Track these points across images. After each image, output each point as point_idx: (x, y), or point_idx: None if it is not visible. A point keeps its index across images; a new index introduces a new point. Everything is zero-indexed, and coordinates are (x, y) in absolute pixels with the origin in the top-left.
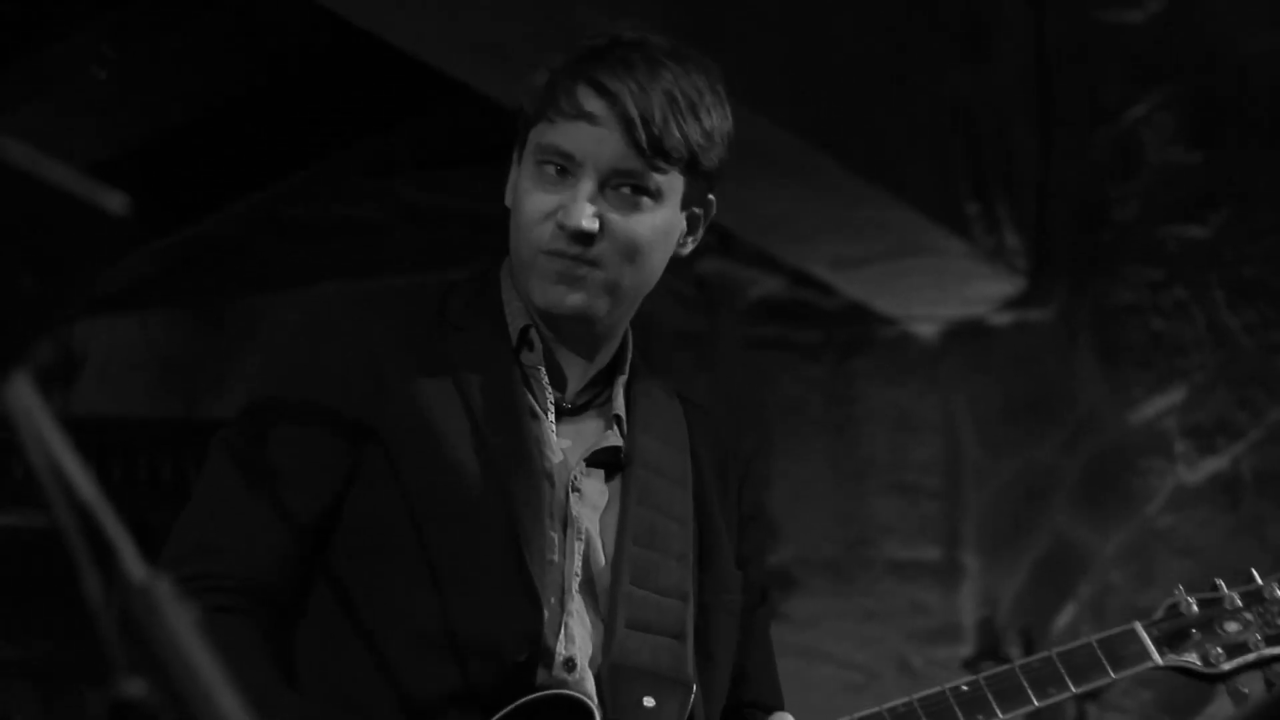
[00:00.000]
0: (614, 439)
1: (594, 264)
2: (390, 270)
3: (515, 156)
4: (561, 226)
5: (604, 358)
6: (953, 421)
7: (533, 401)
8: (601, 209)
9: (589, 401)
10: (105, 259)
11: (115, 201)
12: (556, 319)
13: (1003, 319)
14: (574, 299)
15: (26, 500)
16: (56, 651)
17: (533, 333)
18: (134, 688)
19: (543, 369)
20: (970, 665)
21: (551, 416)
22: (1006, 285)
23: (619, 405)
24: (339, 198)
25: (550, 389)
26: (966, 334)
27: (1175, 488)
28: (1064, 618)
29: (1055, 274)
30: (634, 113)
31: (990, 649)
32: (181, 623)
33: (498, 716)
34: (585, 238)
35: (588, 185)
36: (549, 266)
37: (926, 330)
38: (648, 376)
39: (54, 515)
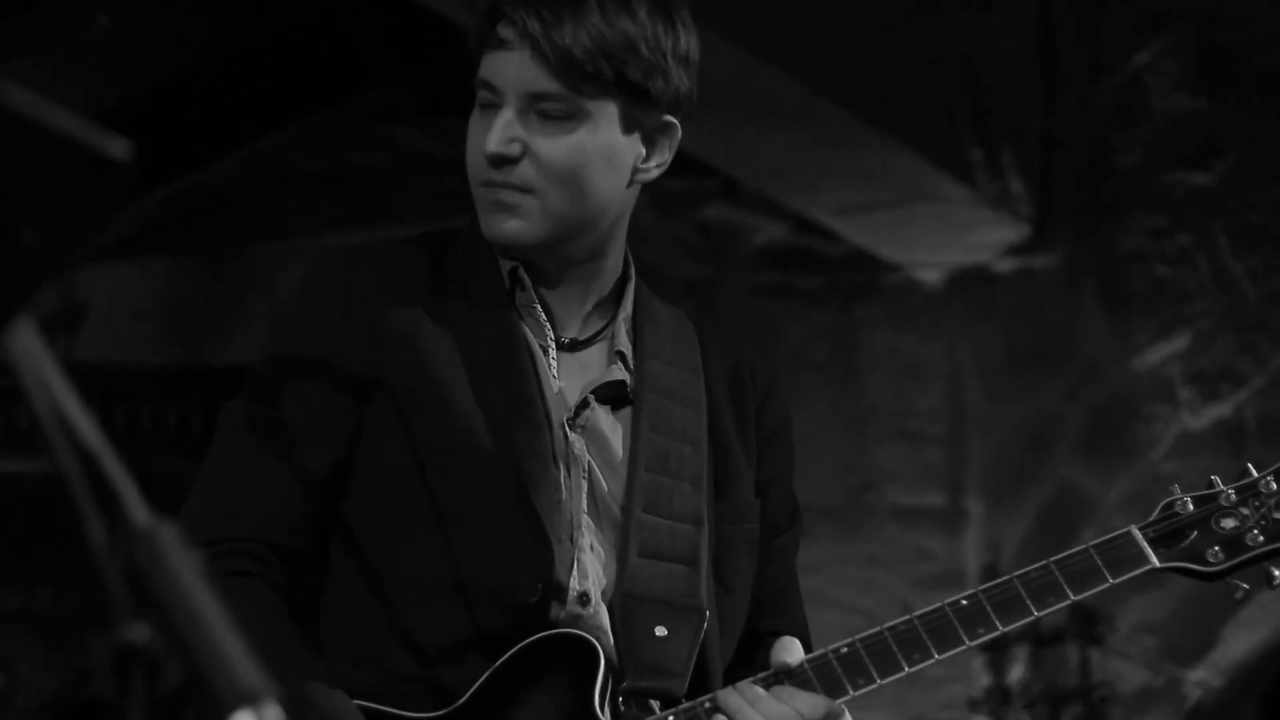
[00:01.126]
0: (618, 374)
1: (525, 190)
2: (395, 218)
3: None
4: (486, 156)
5: (598, 288)
6: (957, 368)
7: (531, 340)
8: (522, 134)
9: (593, 336)
10: (109, 205)
11: (119, 147)
12: (513, 252)
13: (1007, 266)
14: (510, 226)
15: (30, 447)
16: (60, 598)
17: (521, 272)
18: (138, 633)
19: (538, 306)
20: None
21: (552, 354)
22: (1010, 232)
23: (622, 341)
24: (343, 145)
25: (547, 325)
26: (971, 281)
27: (1179, 434)
28: None
29: (1059, 221)
30: (537, 29)
31: None
32: (185, 568)
33: (505, 658)
34: (502, 161)
35: (507, 112)
36: (485, 197)
37: (931, 277)
38: (657, 304)
39: (57, 461)
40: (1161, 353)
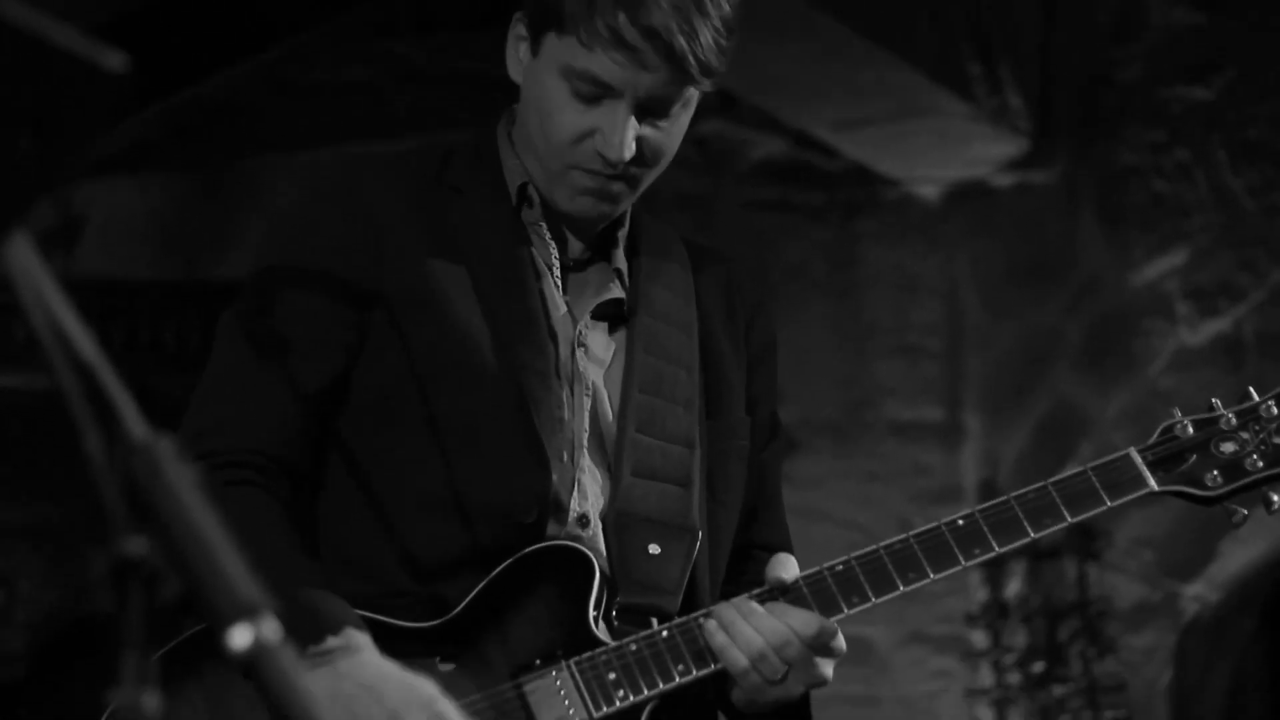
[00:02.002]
0: (616, 291)
1: (630, 180)
2: (391, 132)
3: (524, 37)
4: (602, 155)
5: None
6: (955, 283)
7: (536, 259)
8: (639, 131)
9: (592, 257)
10: (105, 119)
11: (115, 60)
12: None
13: (1005, 180)
14: (604, 209)
15: (28, 362)
16: (59, 514)
17: (530, 189)
18: (136, 547)
19: (544, 225)
20: None
21: (556, 273)
22: (1009, 146)
23: (619, 259)
24: (339, 59)
25: (553, 244)
26: (969, 196)
27: (1177, 349)
28: None
29: (1058, 136)
30: (683, 46)
31: None
32: (183, 481)
33: (499, 569)
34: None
35: (625, 113)
36: (583, 182)
37: (929, 192)
38: (651, 225)
39: (55, 376)
40: (1160, 268)
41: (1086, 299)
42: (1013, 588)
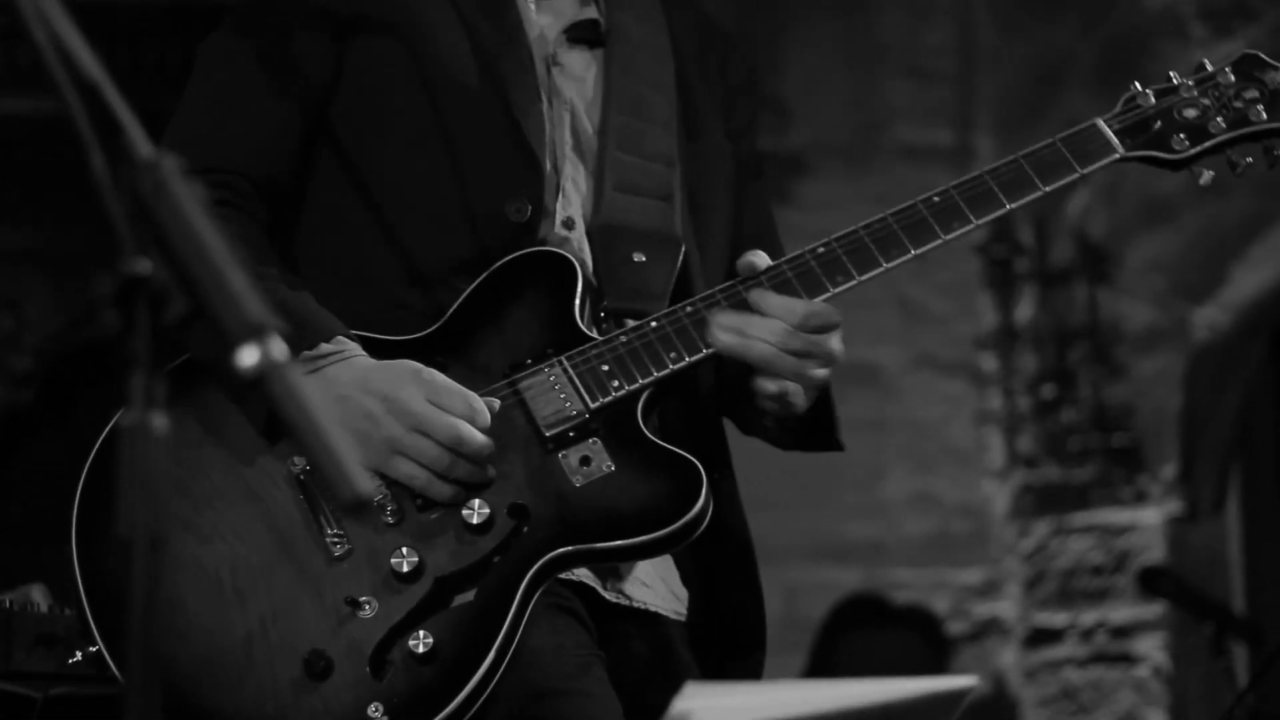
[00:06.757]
0: (591, 12)
1: None
2: None
3: None
4: None
5: None
6: (968, 3)
7: None
8: None
9: None
10: None
11: None
12: None
13: None
14: None
15: (34, 85)
16: (66, 238)
17: None
18: (142, 266)
19: None
20: (983, 250)
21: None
22: None
23: None
24: None
25: None
26: None
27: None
28: (1076, 203)
29: None
30: None
31: (1002, 235)
32: (189, 199)
33: (483, 277)
34: None
35: None
36: None
37: None
38: None
39: (60, 95)
40: None
41: (1100, 19)
42: (1023, 312)
